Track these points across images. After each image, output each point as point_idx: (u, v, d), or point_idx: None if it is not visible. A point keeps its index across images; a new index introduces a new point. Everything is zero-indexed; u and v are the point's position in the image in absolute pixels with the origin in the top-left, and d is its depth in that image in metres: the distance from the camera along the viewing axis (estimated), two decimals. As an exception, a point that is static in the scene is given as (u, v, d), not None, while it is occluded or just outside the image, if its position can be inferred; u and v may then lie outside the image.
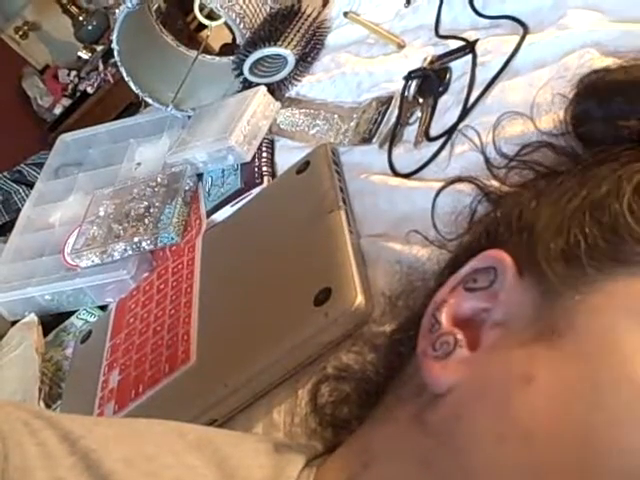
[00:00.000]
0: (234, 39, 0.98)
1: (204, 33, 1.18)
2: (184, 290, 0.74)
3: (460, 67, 0.75)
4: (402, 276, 0.50)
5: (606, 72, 0.43)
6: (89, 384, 0.74)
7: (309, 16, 0.96)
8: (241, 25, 0.94)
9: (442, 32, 0.82)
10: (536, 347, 0.34)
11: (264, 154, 0.88)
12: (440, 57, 0.78)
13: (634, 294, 0.33)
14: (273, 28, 0.93)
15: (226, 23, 0.97)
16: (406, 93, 0.77)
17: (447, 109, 0.72)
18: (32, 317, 0.91)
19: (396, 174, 0.70)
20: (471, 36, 0.77)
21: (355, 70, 0.87)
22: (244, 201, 0.82)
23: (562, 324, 0.34)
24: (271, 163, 0.87)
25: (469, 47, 0.75)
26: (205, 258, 0.77)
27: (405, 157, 0.71)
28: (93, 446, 0.37)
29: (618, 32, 0.63)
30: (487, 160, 0.50)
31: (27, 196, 1.17)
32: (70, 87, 2.70)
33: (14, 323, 0.92)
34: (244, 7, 0.94)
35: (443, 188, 0.53)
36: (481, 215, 0.47)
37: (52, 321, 0.91)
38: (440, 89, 0.75)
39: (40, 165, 1.27)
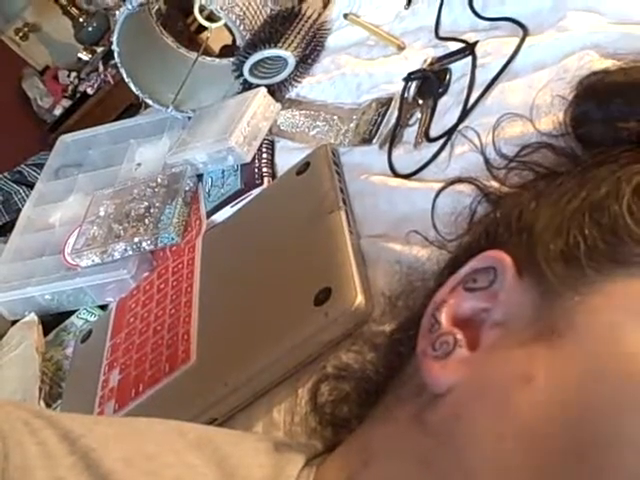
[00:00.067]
0: (234, 41, 0.98)
1: (204, 35, 1.18)
2: (184, 290, 0.74)
3: (460, 69, 0.75)
4: (402, 276, 0.50)
5: (605, 74, 0.44)
6: (89, 383, 0.74)
7: (309, 18, 0.96)
8: (241, 27, 0.94)
9: (442, 34, 0.82)
10: (536, 347, 0.34)
11: (264, 155, 0.88)
12: (440, 59, 0.78)
13: (633, 294, 0.33)
14: (273, 30, 0.93)
15: (226, 25, 0.97)
16: (406, 94, 0.78)
17: (447, 110, 0.72)
18: (32, 317, 0.91)
19: (396, 175, 0.70)
20: (471, 38, 0.77)
21: (355, 71, 0.88)
22: (244, 202, 0.83)
23: (562, 324, 0.34)
24: (271, 164, 0.87)
25: (469, 49, 0.75)
26: (205, 258, 0.77)
27: (405, 158, 0.71)
28: (93, 445, 0.37)
29: (617, 34, 0.63)
30: (487, 161, 0.50)
31: (27, 196, 1.17)
32: (70, 88, 2.70)
33: (14, 323, 0.93)
34: (244, 9, 0.95)
35: (443, 189, 0.53)
36: (481, 216, 0.47)
37: (52, 321, 0.92)
38: (440, 90, 0.75)
39: (40, 166, 1.27)
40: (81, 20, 2.67)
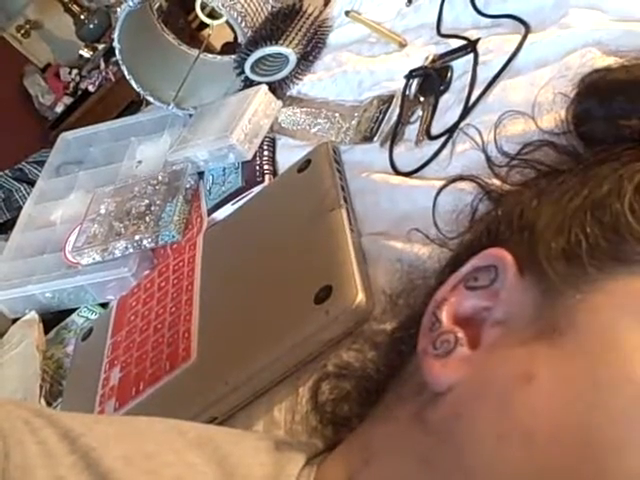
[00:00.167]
0: (235, 38, 0.98)
1: (205, 32, 1.18)
2: (185, 288, 0.74)
3: (461, 66, 0.75)
4: (403, 274, 0.50)
5: (607, 71, 0.43)
6: (90, 382, 0.74)
7: (310, 15, 0.96)
8: (242, 24, 0.94)
9: (444, 31, 0.82)
10: (537, 345, 0.34)
11: (265, 152, 0.88)
12: (441, 56, 0.78)
13: (634, 293, 0.33)
14: (275, 27, 0.93)
15: (228, 22, 0.97)
16: (407, 92, 0.77)
17: (448, 108, 0.72)
18: (33, 315, 0.91)
19: (397, 172, 0.70)
20: (473, 35, 0.77)
21: (356, 69, 0.87)
22: (245, 199, 0.82)
23: (563, 322, 0.34)
24: (272, 162, 0.87)
25: (470, 46, 0.75)
26: (206, 256, 0.77)
27: (406, 156, 0.71)
28: (93, 444, 0.37)
29: (620, 31, 0.63)
30: (488, 159, 0.50)
31: (28, 194, 1.17)
32: (71, 85, 2.70)
33: (15, 321, 0.93)
34: (245, 6, 0.94)
35: (444, 186, 0.53)
36: (482, 214, 0.47)
37: (53, 319, 0.92)
38: (441, 88, 0.75)
39: (41, 163, 1.27)
40: (82, 17, 2.67)
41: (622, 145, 0.39)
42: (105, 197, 0.96)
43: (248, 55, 0.92)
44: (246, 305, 0.67)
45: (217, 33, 1.07)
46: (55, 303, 0.91)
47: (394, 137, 0.74)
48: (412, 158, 0.70)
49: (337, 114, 0.84)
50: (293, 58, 0.92)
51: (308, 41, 0.94)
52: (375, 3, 0.95)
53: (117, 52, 0.97)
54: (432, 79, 0.76)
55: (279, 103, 0.92)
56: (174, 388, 0.65)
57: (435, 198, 0.53)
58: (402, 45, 0.85)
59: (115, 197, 0.95)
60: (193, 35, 1.59)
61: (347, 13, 0.97)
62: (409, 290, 0.48)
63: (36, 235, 1.01)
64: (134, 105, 1.86)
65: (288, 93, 0.95)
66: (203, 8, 1.02)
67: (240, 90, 0.96)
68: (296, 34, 0.92)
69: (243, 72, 0.94)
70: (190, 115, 1.01)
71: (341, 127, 0.81)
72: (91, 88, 2.59)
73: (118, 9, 0.93)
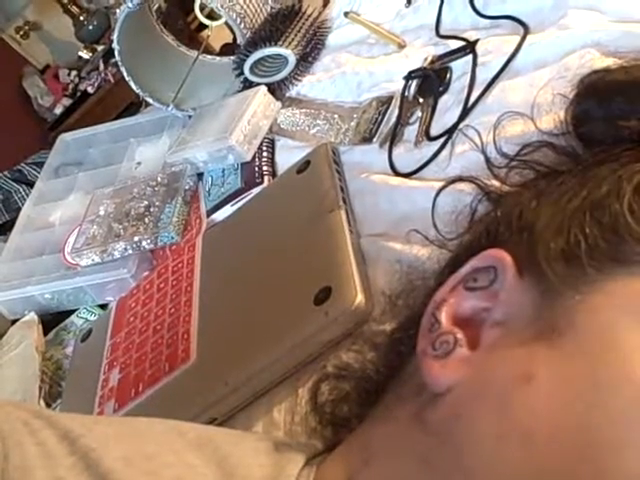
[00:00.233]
0: (235, 39, 0.98)
1: (205, 33, 1.18)
2: (184, 289, 0.74)
3: (460, 67, 0.75)
4: (402, 275, 0.50)
5: (606, 72, 0.43)
6: (89, 383, 0.74)
7: (310, 16, 0.96)
8: (242, 25, 0.94)
9: (443, 32, 0.82)
10: (536, 346, 0.34)
11: (264, 154, 0.88)
12: (440, 57, 0.78)
13: (633, 294, 0.33)
14: (274, 28, 0.93)
15: (227, 23, 0.97)
16: (406, 93, 0.77)
17: (447, 109, 0.72)
18: (32, 316, 0.91)
19: (396, 174, 0.70)
20: (472, 36, 0.77)
21: (355, 70, 0.88)
22: (244, 201, 0.82)
23: (562, 323, 0.34)
24: (271, 163, 0.87)
25: (470, 47, 0.75)
26: (205, 257, 0.77)
27: (405, 157, 0.71)
28: (93, 445, 0.37)
29: (619, 32, 0.63)
30: (487, 160, 0.50)
31: (27, 195, 1.17)
32: (71, 87, 2.70)
33: (14, 322, 0.92)
34: (245, 7, 0.95)
35: (443, 187, 0.53)
36: (481, 214, 0.47)
37: (52, 320, 0.91)
38: (440, 89, 0.75)
39: (40, 164, 1.27)
40: (82, 18, 2.67)
41: (621, 146, 0.39)
42: (104, 198, 0.96)
43: (247, 56, 0.92)
44: (245, 306, 0.67)
45: (216, 34, 1.07)
46: (54, 304, 0.91)
47: (393, 138, 0.74)
48: (411, 159, 0.70)
49: (336, 115, 0.84)
50: (292, 59, 0.92)
51: (307, 42, 0.94)
52: (374, 4, 0.95)
53: (116, 53, 0.97)
54: (431, 80, 0.76)
55: (278, 104, 0.92)
56: (173, 389, 0.65)
57: (434, 199, 0.53)
58: (401, 46, 0.85)
59: (114, 198, 0.95)
60: (192, 36, 1.59)
61: (346, 14, 0.97)
62: (408, 291, 0.48)
63: (35, 236, 1.01)
64: (133, 106, 1.86)
65: (287, 94, 0.95)
66: (202, 9, 1.02)
67: (239, 91, 0.96)
68: (295, 35, 0.92)
69: (242, 73, 0.94)
70: (189, 116, 1.01)
71: (340, 128, 0.82)
72: (90, 89, 2.59)
73: (117, 10, 0.93)
